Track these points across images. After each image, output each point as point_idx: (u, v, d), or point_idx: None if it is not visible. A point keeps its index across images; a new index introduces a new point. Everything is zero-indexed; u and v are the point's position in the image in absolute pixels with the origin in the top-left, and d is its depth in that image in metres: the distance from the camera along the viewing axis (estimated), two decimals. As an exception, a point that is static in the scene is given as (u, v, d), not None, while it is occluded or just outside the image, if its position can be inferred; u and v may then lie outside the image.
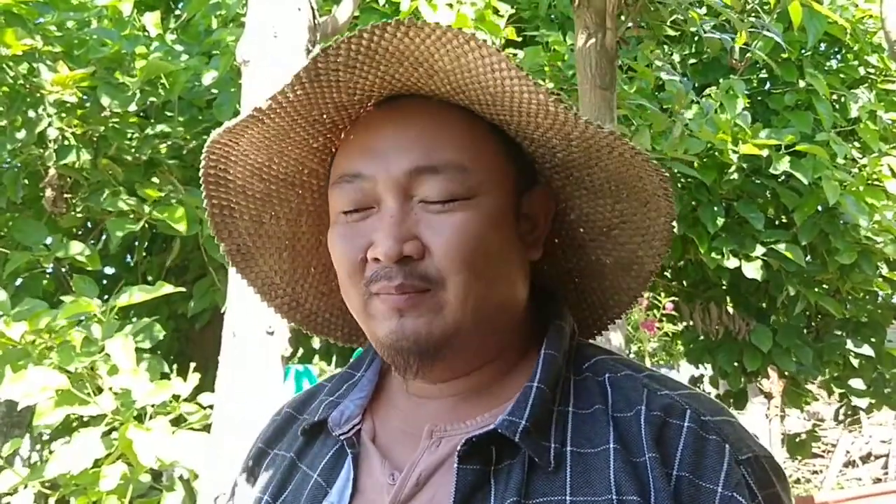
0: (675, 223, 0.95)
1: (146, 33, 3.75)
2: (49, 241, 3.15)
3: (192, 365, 2.57)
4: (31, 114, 3.06)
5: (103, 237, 3.74)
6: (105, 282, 4.71)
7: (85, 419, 2.74)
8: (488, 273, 0.83)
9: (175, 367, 2.87)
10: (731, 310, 4.72)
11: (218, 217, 0.97)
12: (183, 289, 2.88)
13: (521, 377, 0.87)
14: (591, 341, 0.99)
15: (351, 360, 1.01)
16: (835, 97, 4.81)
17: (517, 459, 0.80)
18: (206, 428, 2.45)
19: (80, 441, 2.24)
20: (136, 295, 2.47)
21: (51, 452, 2.87)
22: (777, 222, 4.81)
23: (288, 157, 0.94)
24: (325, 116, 0.89)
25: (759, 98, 4.95)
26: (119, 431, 2.34)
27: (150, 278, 4.30)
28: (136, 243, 4.14)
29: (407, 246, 0.81)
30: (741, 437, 0.81)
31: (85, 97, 3.28)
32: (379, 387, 0.95)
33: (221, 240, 0.99)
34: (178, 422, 2.53)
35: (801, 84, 4.70)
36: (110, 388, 2.39)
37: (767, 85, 5.07)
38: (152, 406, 2.43)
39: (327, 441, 0.91)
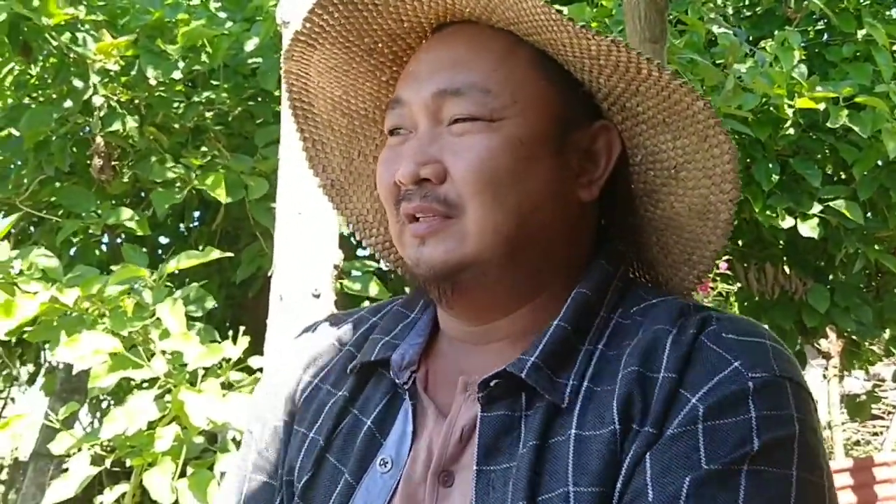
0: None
1: (189, 0, 3.75)
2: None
3: (242, 329, 2.57)
4: (77, 83, 3.08)
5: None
6: (160, 251, 4.79)
7: (139, 383, 2.78)
8: (514, 201, 0.80)
9: (230, 333, 2.89)
10: (787, 269, 4.60)
11: (311, 151, 0.99)
12: (231, 254, 2.89)
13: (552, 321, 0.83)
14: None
15: (401, 298, 0.98)
16: (895, 47, 4.62)
17: (544, 402, 0.77)
18: (257, 390, 2.46)
19: (133, 403, 2.27)
20: (183, 261, 2.48)
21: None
22: (835, 178, 4.66)
23: (362, 91, 0.94)
24: (380, 45, 0.90)
25: (816, 50, 4.77)
26: (172, 394, 2.36)
27: (201, 246, 4.36)
28: (185, 212, 4.17)
29: (425, 169, 0.80)
30: (764, 359, 0.74)
31: (129, 65, 3.29)
32: (430, 331, 0.92)
33: (316, 174, 1.00)
34: (229, 385, 2.54)
35: (860, 34, 4.53)
36: (162, 352, 2.42)
37: (824, 36, 4.89)
38: (204, 369, 2.45)
39: (380, 384, 0.88)
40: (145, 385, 2.52)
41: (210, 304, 2.75)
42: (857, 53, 4.56)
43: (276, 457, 0.92)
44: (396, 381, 0.86)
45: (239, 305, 4.88)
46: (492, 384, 0.78)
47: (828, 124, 4.15)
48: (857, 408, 5.33)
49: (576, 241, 0.87)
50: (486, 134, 0.80)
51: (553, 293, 0.85)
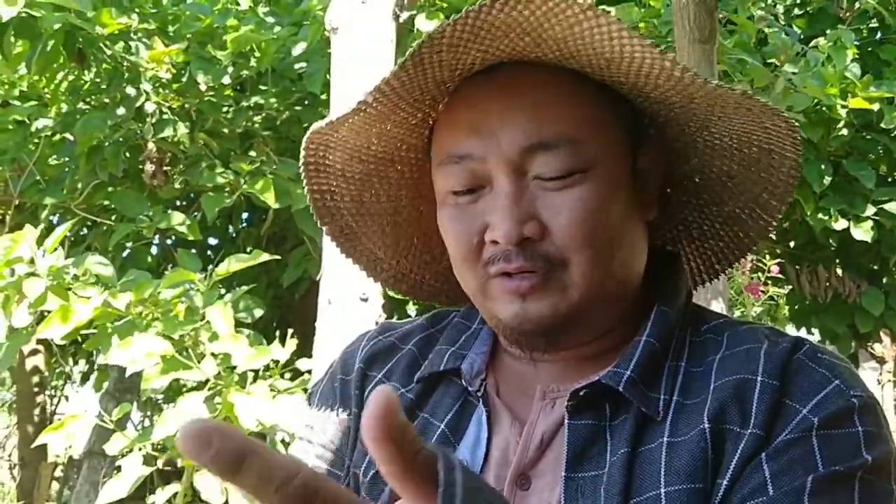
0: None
1: (238, 6, 3.80)
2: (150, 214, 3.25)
3: (290, 331, 2.61)
4: (130, 90, 3.14)
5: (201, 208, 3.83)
6: (209, 252, 4.87)
7: (190, 385, 2.82)
8: (611, 246, 0.81)
9: (276, 334, 2.93)
10: (839, 272, 4.52)
11: (319, 202, 0.95)
12: (278, 257, 2.93)
13: (637, 337, 0.84)
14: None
15: (462, 310, 0.98)
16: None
17: (631, 413, 0.78)
18: (306, 393, 2.49)
19: (184, 404, 2.31)
20: (233, 264, 2.52)
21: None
22: (889, 180, 4.56)
23: (387, 136, 0.91)
24: (425, 95, 0.86)
25: (870, 49, 4.68)
26: (222, 395, 2.40)
27: (249, 248, 4.42)
28: (233, 215, 4.23)
29: (527, 227, 0.78)
30: (856, 381, 0.78)
31: (180, 72, 3.35)
32: (494, 341, 0.92)
33: (324, 224, 0.97)
34: (278, 387, 2.57)
35: (916, 32, 4.43)
36: (213, 354, 2.46)
37: (878, 34, 4.79)
38: (253, 372, 2.48)
39: (449, 391, 0.89)
40: (196, 387, 2.56)
41: (259, 311, 2.78)
42: (912, 52, 4.47)
43: (342, 448, 0.93)
44: (469, 388, 0.87)
45: (286, 307, 4.94)
46: (581, 394, 0.79)
47: (882, 125, 4.06)
48: (912, 414, 5.21)
49: (645, 259, 0.88)
50: (581, 187, 0.79)
51: (632, 314, 0.86)
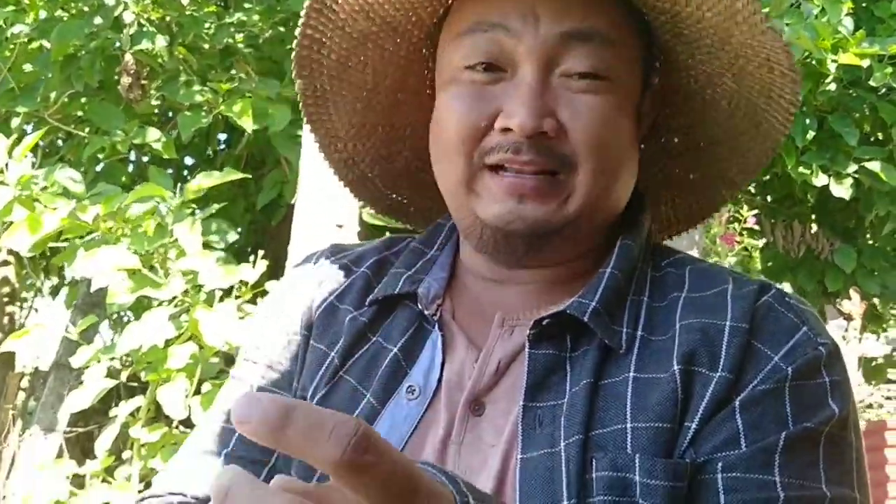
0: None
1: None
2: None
3: (261, 252, 2.59)
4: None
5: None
6: (185, 172, 4.80)
7: (159, 302, 2.81)
8: (618, 162, 0.81)
9: (251, 259, 2.91)
10: (815, 228, 4.55)
11: (305, 50, 0.91)
12: (249, 175, 2.89)
13: (600, 269, 0.84)
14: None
15: (418, 236, 0.97)
16: (948, 5, 4.47)
17: (593, 345, 0.78)
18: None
19: (149, 319, 2.30)
20: (203, 181, 2.48)
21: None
22: (872, 139, 4.55)
23: None
24: None
25: (864, 4, 4.63)
26: (189, 313, 2.39)
27: (226, 168, 4.37)
28: (210, 135, 4.17)
29: (546, 122, 0.76)
30: (821, 327, 0.80)
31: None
32: (453, 267, 0.91)
33: (300, 76, 0.93)
34: (246, 309, 2.56)
35: (912, -10, 4.38)
36: (182, 272, 2.44)
37: (875, -10, 4.74)
38: (222, 291, 2.47)
39: (402, 315, 0.88)
40: (164, 303, 2.55)
41: (232, 236, 2.75)
42: (908, 10, 4.42)
43: (290, 371, 0.91)
44: (425, 312, 0.86)
45: (262, 232, 4.91)
46: (544, 324, 0.78)
47: (870, 82, 4.04)
48: (873, 371, 5.31)
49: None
50: (605, 96, 0.78)
51: (598, 245, 0.86)
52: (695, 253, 3.33)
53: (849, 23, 4.03)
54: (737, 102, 0.88)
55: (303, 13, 0.87)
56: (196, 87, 3.09)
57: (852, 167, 4.15)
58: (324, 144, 0.98)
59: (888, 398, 8.88)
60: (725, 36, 0.81)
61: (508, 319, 0.83)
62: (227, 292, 2.56)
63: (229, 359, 2.79)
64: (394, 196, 1.04)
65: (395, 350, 0.85)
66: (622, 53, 0.80)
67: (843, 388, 0.77)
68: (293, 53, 0.92)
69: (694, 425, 0.74)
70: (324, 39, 0.90)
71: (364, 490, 0.39)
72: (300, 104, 0.96)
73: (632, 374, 0.76)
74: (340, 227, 2.59)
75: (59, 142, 3.89)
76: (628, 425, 0.74)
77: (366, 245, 0.99)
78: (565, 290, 0.83)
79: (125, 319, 4.17)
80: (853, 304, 5.34)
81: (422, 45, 0.92)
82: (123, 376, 2.47)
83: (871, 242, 4.57)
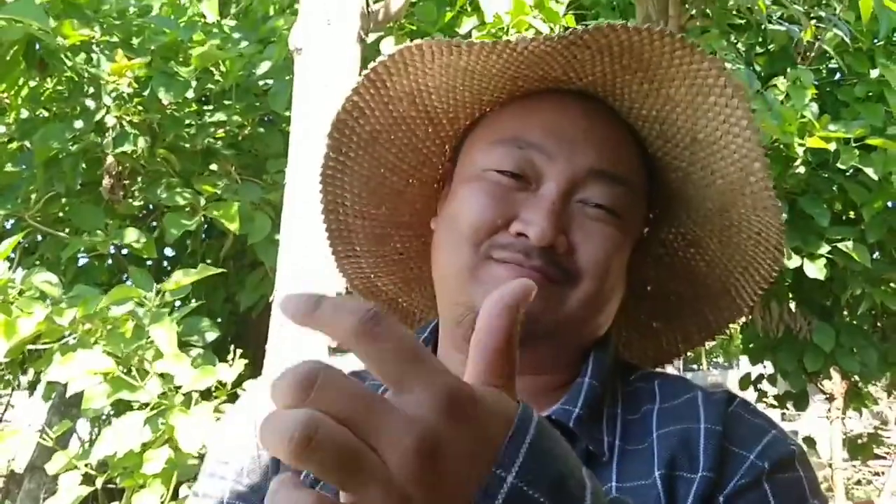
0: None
1: (204, 19, 3.78)
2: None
3: (239, 351, 2.59)
4: (90, 103, 3.11)
5: (159, 227, 3.80)
6: (166, 263, 4.80)
7: (138, 404, 2.79)
8: (610, 291, 0.85)
9: (232, 347, 2.90)
10: (793, 307, 4.58)
11: (345, 114, 0.94)
12: (224, 270, 2.90)
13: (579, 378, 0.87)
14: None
15: None
16: (909, 88, 4.60)
17: (576, 452, 0.78)
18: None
19: (124, 424, 2.28)
20: (181, 279, 2.50)
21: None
22: (843, 218, 4.63)
23: (449, 95, 0.92)
24: (506, 76, 0.87)
25: (828, 89, 4.76)
26: (165, 416, 2.37)
27: (208, 261, 4.37)
28: (193, 231, 4.19)
29: (559, 238, 0.81)
30: (787, 433, 0.83)
31: (143, 85, 3.32)
32: None
33: (332, 137, 0.96)
34: (222, 409, 2.55)
35: (873, 74, 4.51)
36: (160, 375, 2.43)
37: (837, 75, 4.88)
38: (198, 392, 2.46)
39: None
40: (140, 406, 2.53)
41: (212, 335, 2.76)
42: (870, 94, 4.54)
43: (258, 485, 0.90)
44: None
45: (242, 322, 4.89)
46: None
47: (838, 164, 4.12)
48: (859, 448, 5.28)
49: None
50: (615, 229, 0.83)
51: (576, 358, 0.89)
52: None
53: (814, 107, 4.14)
54: (714, 267, 0.93)
55: (357, 79, 0.92)
56: (179, 189, 3.12)
57: (825, 247, 4.21)
58: (328, 209, 1.01)
59: (876, 474, 8.78)
60: (728, 203, 0.86)
61: None
62: (206, 393, 2.54)
63: (203, 461, 2.76)
64: (377, 283, 1.06)
65: None
66: (635, 196, 0.86)
67: (818, 487, 0.79)
68: (335, 113, 0.95)
69: None
70: (366, 110, 0.94)
71: (379, 357, 0.45)
72: (321, 165, 0.98)
73: (614, 483, 0.78)
74: (318, 325, 2.60)
75: (39, 238, 3.89)
76: None
77: (340, 357, 1.01)
78: (546, 400, 0.85)
79: (103, 417, 4.12)
80: (834, 383, 5.34)
81: (449, 140, 0.96)
82: (99, 482, 2.43)
83: (848, 320, 4.60)
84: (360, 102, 0.93)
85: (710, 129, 0.81)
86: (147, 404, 2.41)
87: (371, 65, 0.90)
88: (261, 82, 3.72)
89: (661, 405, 0.84)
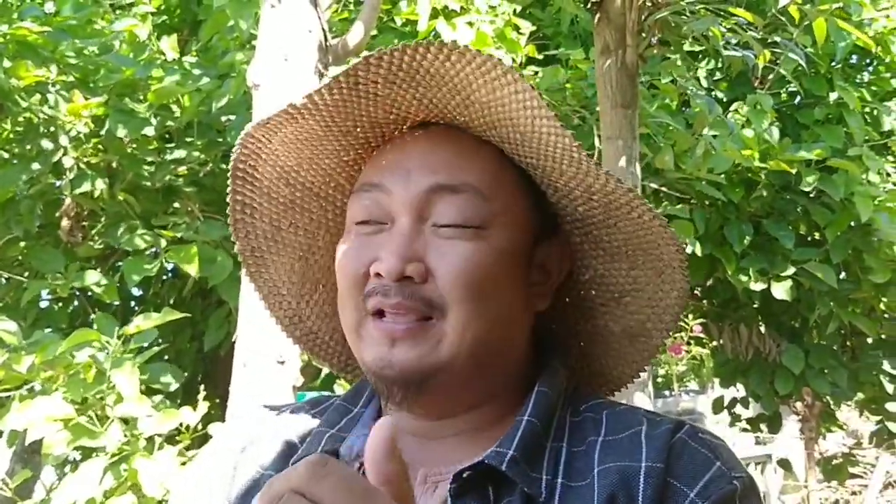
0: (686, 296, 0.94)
1: (164, 57, 3.76)
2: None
3: (202, 395, 2.54)
4: (47, 144, 3.07)
5: (121, 269, 3.75)
6: (132, 303, 4.73)
7: (102, 448, 2.73)
8: (490, 310, 0.81)
9: (201, 387, 2.85)
10: (762, 330, 4.60)
11: (239, 214, 0.95)
12: (188, 314, 2.86)
13: (518, 416, 0.84)
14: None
15: (344, 393, 0.97)
16: (867, 110, 4.69)
17: (515, 494, 0.78)
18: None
19: (85, 471, 2.22)
20: (142, 323, 2.45)
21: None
22: (808, 239, 4.68)
23: (318, 165, 0.93)
24: (358, 129, 0.88)
25: (788, 112, 4.84)
26: (127, 462, 2.32)
27: (172, 301, 4.32)
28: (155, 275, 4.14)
29: (410, 266, 0.79)
30: (735, 461, 0.81)
31: (101, 125, 3.29)
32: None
33: (238, 238, 0.97)
34: (186, 453, 2.49)
35: (832, 97, 4.59)
36: (121, 419, 2.38)
37: (797, 99, 4.96)
38: (160, 436, 2.41)
39: None
40: (102, 451, 2.47)
41: (174, 385, 2.71)
42: (829, 116, 4.62)
43: None
44: None
45: (210, 360, 4.83)
46: (465, 475, 0.78)
47: (801, 186, 4.18)
48: (834, 470, 5.29)
49: (531, 344, 0.91)
50: (474, 242, 0.81)
51: (512, 393, 0.87)
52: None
53: (775, 131, 4.20)
54: (634, 252, 0.91)
55: (229, 180, 0.92)
56: (139, 231, 3.08)
57: (791, 269, 4.25)
58: (268, 302, 1.01)
59: (854, 493, 8.81)
60: (585, 188, 0.85)
61: (431, 475, 0.83)
62: (170, 439, 2.49)
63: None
64: (342, 352, 1.05)
65: None
66: (497, 204, 0.83)
67: None
68: (230, 219, 0.95)
69: None
70: (254, 204, 0.94)
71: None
72: (242, 263, 0.99)
73: None
74: (282, 363, 2.56)
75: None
76: None
77: (292, 405, 0.99)
78: (488, 438, 0.83)
79: (70, 461, 4.03)
80: (807, 406, 5.35)
81: (346, 207, 0.94)
82: (60, 533, 2.36)
83: (817, 341, 4.63)
84: (244, 199, 0.94)
85: (522, 118, 0.80)
86: (108, 453, 2.35)
87: (232, 157, 0.91)
88: (223, 118, 3.70)
89: (605, 437, 0.83)
